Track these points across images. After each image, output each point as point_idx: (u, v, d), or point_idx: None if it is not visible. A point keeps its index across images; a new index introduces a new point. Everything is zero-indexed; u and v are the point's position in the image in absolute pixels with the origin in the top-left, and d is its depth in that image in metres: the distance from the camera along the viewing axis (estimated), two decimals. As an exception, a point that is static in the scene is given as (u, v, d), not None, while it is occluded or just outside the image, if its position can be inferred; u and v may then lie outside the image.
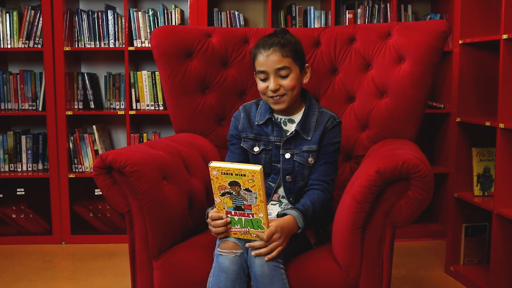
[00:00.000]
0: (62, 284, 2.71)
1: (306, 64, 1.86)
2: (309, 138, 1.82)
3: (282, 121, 1.87)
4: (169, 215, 1.77)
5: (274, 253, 1.58)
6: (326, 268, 1.67)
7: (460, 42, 2.63)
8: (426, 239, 3.33)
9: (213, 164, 1.56)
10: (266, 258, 1.58)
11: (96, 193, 3.36)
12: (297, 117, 1.86)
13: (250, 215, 1.59)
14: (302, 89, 1.88)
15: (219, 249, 1.62)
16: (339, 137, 1.87)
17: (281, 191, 1.86)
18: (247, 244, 1.61)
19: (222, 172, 1.55)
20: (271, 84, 1.78)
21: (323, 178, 1.82)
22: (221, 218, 1.62)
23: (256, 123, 1.87)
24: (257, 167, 1.52)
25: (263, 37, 1.83)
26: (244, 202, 1.58)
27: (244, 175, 1.53)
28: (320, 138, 1.83)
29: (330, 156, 1.84)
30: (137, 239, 1.78)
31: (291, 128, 1.86)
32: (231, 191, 1.57)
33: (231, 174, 1.54)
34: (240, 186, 1.55)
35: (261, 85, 1.81)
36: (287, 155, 1.83)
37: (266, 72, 1.78)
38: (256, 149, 1.86)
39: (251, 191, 1.55)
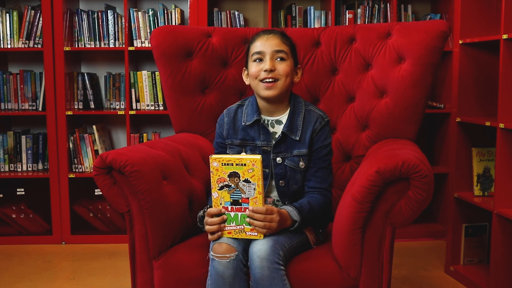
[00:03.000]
0: (62, 284, 2.71)
1: (299, 65, 1.87)
2: (297, 138, 1.79)
3: (269, 123, 1.84)
4: (169, 215, 1.77)
5: (264, 231, 1.60)
6: (326, 268, 1.67)
7: (460, 42, 2.63)
8: (426, 239, 3.33)
9: (214, 155, 1.61)
10: (262, 232, 1.60)
11: (96, 193, 3.36)
12: (284, 118, 1.83)
13: (247, 210, 1.60)
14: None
15: (212, 253, 1.61)
16: (330, 138, 1.84)
17: (274, 195, 1.84)
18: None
19: (222, 163, 1.59)
20: (267, 63, 1.76)
21: (320, 185, 1.80)
22: (219, 214, 1.62)
23: (243, 123, 1.84)
24: (257, 156, 1.57)
25: (258, 32, 1.86)
26: (242, 195, 1.60)
27: (245, 165, 1.57)
28: (310, 141, 1.80)
29: (323, 160, 1.81)
30: (137, 239, 1.78)
31: (278, 130, 1.83)
32: (230, 184, 1.60)
33: (232, 164, 1.58)
34: (239, 177, 1.58)
35: (253, 68, 1.78)
36: (279, 159, 1.80)
37: (263, 53, 1.77)
38: (243, 154, 1.82)
39: (250, 182, 1.58)
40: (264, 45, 1.78)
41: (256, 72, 1.78)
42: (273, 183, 1.82)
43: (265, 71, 1.76)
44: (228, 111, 1.90)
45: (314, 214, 1.75)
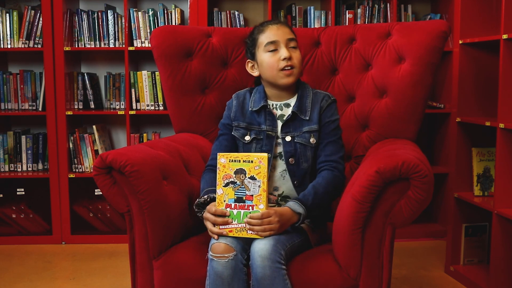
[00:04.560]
0: (62, 284, 2.71)
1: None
2: (307, 118, 1.82)
3: (278, 106, 1.87)
4: (169, 215, 1.77)
5: (266, 233, 1.60)
6: (326, 268, 1.67)
7: (460, 42, 2.63)
8: (426, 239, 3.33)
9: (222, 153, 1.65)
10: (262, 235, 1.60)
11: (96, 193, 3.36)
12: (292, 101, 1.86)
13: (250, 207, 1.62)
14: None
15: (211, 253, 1.61)
16: (337, 115, 1.87)
17: (279, 183, 1.82)
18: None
19: (230, 160, 1.62)
20: (284, 52, 1.78)
21: (329, 158, 1.81)
22: (224, 215, 1.63)
23: (249, 109, 1.87)
24: (264, 154, 1.62)
25: (261, 23, 1.88)
26: (247, 192, 1.62)
27: (252, 161, 1.61)
28: (319, 117, 1.83)
29: (332, 134, 1.84)
30: (137, 239, 1.78)
31: (287, 112, 1.86)
32: (235, 180, 1.62)
33: (239, 161, 1.62)
34: (245, 174, 1.62)
35: (270, 59, 1.80)
36: (288, 138, 1.82)
37: (277, 42, 1.80)
38: (247, 138, 1.85)
39: (256, 179, 1.61)
40: (277, 34, 1.80)
41: (274, 63, 1.80)
42: (277, 164, 1.81)
43: (284, 59, 1.78)
44: (237, 95, 1.93)
45: (319, 197, 1.73)
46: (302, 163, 1.82)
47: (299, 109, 1.83)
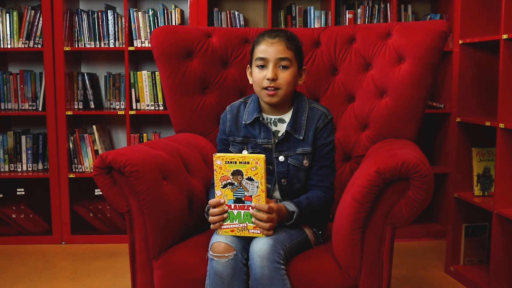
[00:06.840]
0: (62, 284, 2.71)
1: (304, 67, 1.85)
2: (301, 138, 1.79)
3: (272, 121, 1.83)
4: (169, 215, 1.77)
5: (269, 233, 1.61)
6: (326, 268, 1.67)
7: (460, 42, 2.63)
8: (426, 239, 3.33)
9: (218, 154, 1.62)
10: (266, 234, 1.60)
11: (96, 193, 3.36)
12: (287, 116, 1.82)
13: (250, 208, 1.61)
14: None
15: (211, 253, 1.61)
16: (332, 135, 1.83)
17: (277, 194, 1.83)
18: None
19: (226, 161, 1.60)
20: (269, 72, 1.73)
21: (321, 183, 1.80)
22: (220, 204, 1.62)
23: (243, 122, 1.83)
24: (261, 155, 1.59)
25: (266, 30, 1.82)
26: (245, 193, 1.61)
27: (248, 163, 1.59)
28: (314, 138, 1.79)
29: (325, 158, 1.81)
30: (137, 239, 1.78)
31: (281, 128, 1.82)
32: (233, 181, 1.61)
33: (235, 162, 1.60)
34: (242, 175, 1.60)
35: (257, 75, 1.76)
36: (281, 158, 1.80)
37: (266, 60, 1.74)
38: (244, 152, 1.82)
39: (253, 180, 1.59)
40: (267, 51, 1.74)
41: (259, 80, 1.76)
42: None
43: (268, 79, 1.74)
44: (231, 107, 1.89)
45: (313, 209, 1.74)
46: (295, 183, 1.80)
47: (293, 128, 1.79)
